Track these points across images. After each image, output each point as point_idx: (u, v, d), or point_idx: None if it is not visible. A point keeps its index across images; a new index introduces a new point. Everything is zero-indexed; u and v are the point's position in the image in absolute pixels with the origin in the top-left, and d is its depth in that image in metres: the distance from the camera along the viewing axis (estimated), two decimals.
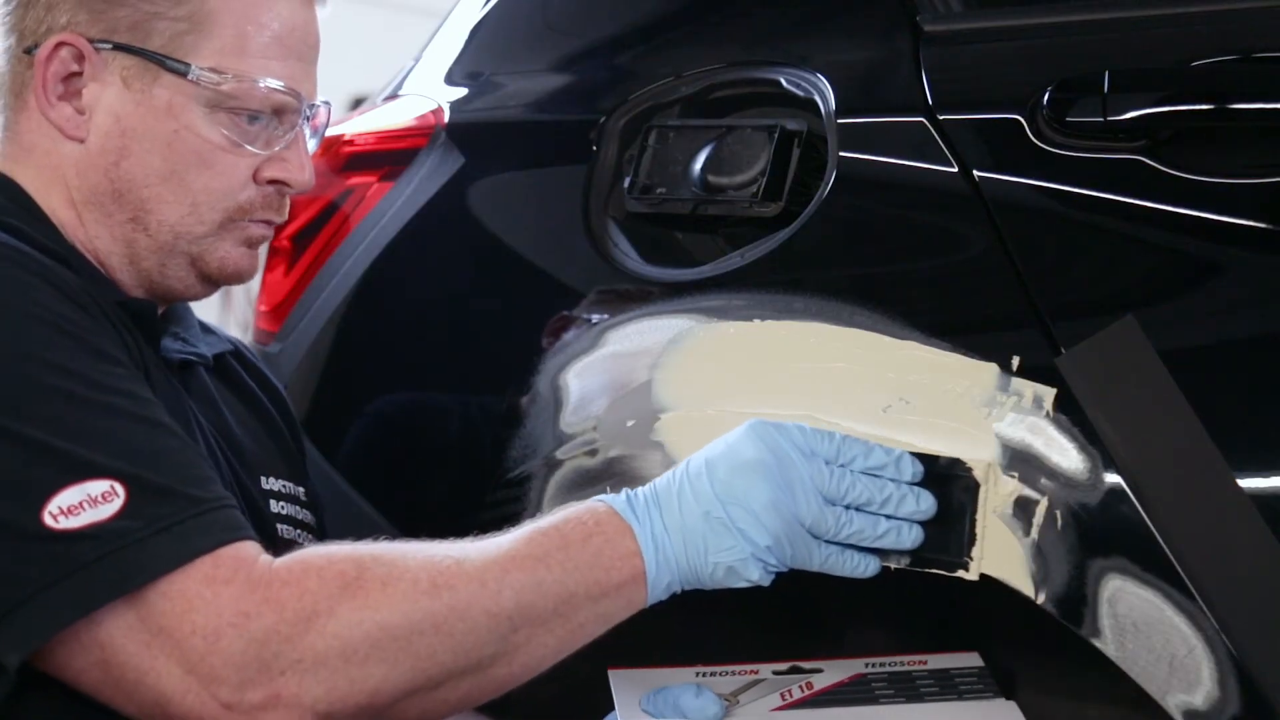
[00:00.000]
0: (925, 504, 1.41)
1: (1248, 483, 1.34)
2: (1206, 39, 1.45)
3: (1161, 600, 1.34)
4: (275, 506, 1.61)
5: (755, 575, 1.39)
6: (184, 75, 1.49)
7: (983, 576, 1.41)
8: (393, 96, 1.99)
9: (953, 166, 1.50)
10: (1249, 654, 1.31)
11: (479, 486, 1.67)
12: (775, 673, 1.51)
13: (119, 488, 1.31)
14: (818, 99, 1.60)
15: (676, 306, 1.59)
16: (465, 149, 1.81)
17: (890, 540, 1.41)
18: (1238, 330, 1.42)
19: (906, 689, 1.47)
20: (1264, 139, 1.42)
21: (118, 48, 1.50)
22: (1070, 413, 1.39)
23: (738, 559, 1.39)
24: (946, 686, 1.49)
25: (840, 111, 1.57)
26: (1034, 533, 1.38)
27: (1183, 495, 1.35)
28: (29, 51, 1.52)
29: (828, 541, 1.41)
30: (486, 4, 1.91)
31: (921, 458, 1.42)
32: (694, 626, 1.61)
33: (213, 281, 1.55)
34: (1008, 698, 1.47)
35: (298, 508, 1.64)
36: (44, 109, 1.51)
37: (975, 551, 1.41)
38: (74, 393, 1.33)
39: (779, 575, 1.42)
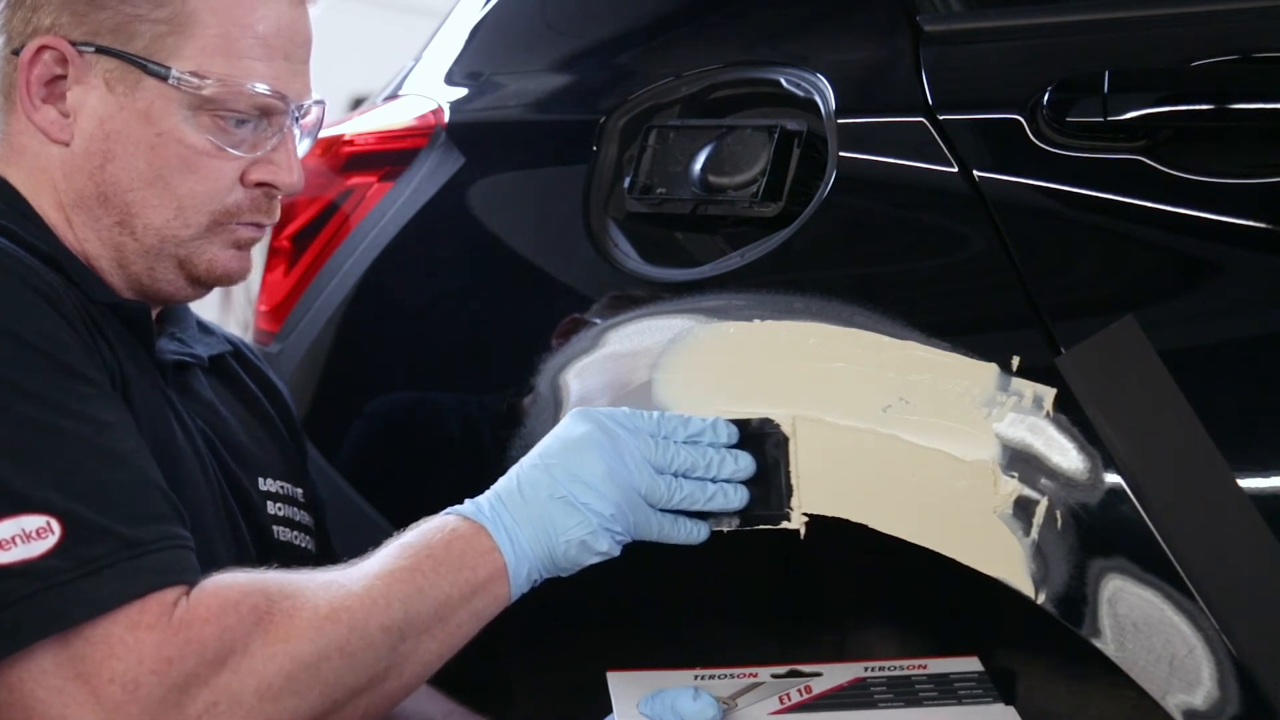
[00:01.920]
0: (744, 463, 1.48)
1: (1248, 483, 1.34)
2: (1206, 39, 1.45)
3: (1161, 600, 1.34)
4: (272, 508, 1.61)
5: (605, 546, 1.44)
6: (164, 79, 1.48)
7: (983, 572, 1.41)
8: (393, 96, 1.99)
9: (953, 166, 1.50)
10: (1249, 654, 1.31)
11: (479, 486, 1.67)
12: (774, 676, 1.51)
13: (55, 524, 1.28)
14: (818, 99, 1.60)
15: (676, 306, 1.59)
16: (465, 149, 1.81)
17: (719, 502, 1.47)
18: (1238, 330, 1.42)
19: (905, 693, 1.47)
20: (1264, 139, 1.42)
21: (100, 50, 1.48)
22: (1070, 413, 1.39)
23: (587, 532, 1.43)
24: (945, 691, 1.50)
25: (840, 111, 1.57)
26: (1034, 533, 1.38)
27: (1183, 495, 1.35)
28: (16, 53, 1.51)
29: (662, 510, 1.46)
30: (486, 4, 1.91)
31: (735, 422, 1.50)
32: (696, 629, 1.62)
33: (202, 283, 1.55)
34: (1007, 702, 1.47)
35: (295, 509, 1.64)
36: (28, 112, 1.50)
37: (794, 501, 1.49)
38: (30, 417, 1.31)
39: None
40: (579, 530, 1.43)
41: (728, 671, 1.51)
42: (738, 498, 1.48)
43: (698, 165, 1.62)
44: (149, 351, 1.52)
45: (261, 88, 1.49)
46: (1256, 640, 1.31)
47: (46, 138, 1.50)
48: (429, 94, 1.90)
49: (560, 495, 1.43)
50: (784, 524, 1.49)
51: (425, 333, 1.79)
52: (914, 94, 1.53)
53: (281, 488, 1.63)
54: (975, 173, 1.49)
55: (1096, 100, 1.44)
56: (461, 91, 1.87)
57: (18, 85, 1.51)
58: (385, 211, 1.83)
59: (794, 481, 1.48)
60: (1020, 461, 1.39)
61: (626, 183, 1.67)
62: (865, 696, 1.49)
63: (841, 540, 1.52)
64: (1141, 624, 1.34)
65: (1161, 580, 1.34)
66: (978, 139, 1.51)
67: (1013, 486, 1.39)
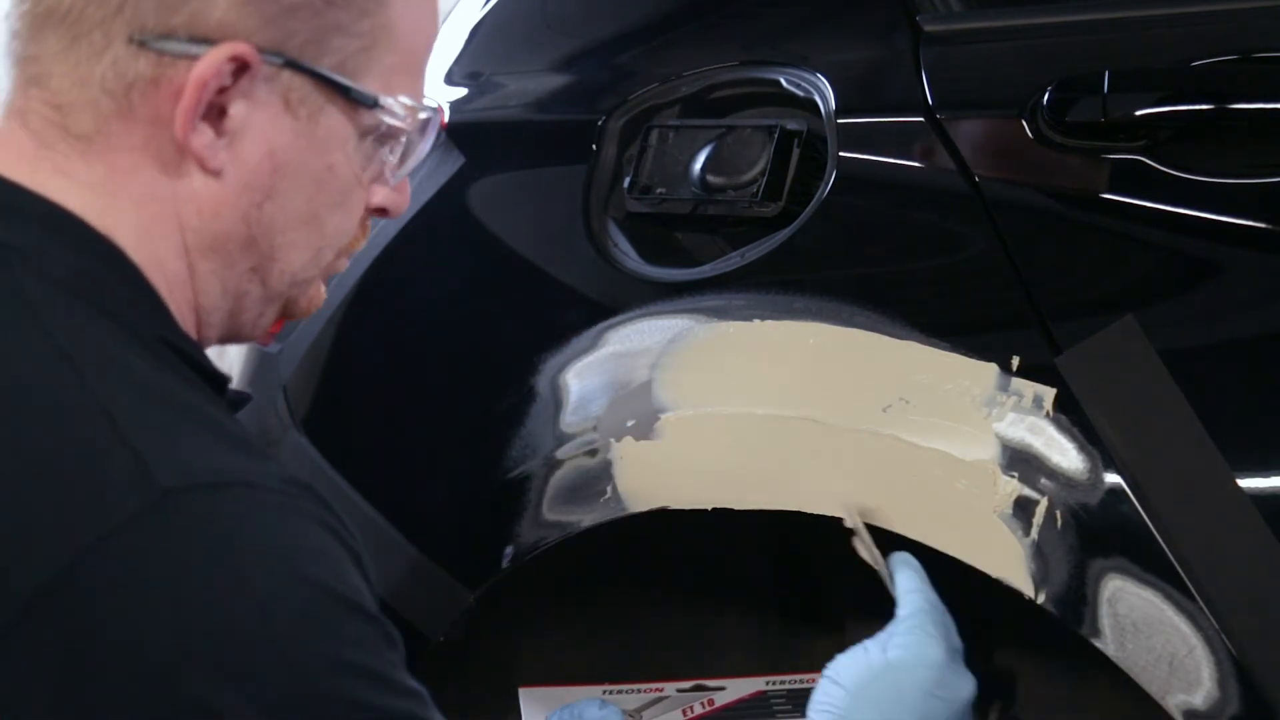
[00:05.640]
0: None
1: (1248, 483, 1.34)
2: (1206, 39, 1.45)
3: (1161, 600, 1.34)
4: None
5: None
6: (370, 106, 1.18)
7: (983, 572, 1.41)
8: None
9: (953, 166, 1.50)
10: (1249, 654, 1.31)
11: (479, 486, 1.67)
12: (679, 690, 1.53)
13: None
14: (818, 99, 1.60)
15: (676, 306, 1.59)
16: (465, 149, 1.81)
17: None
18: (1238, 330, 1.42)
19: (803, 704, 1.50)
20: (1264, 139, 1.42)
21: (288, 64, 1.15)
22: (1070, 413, 1.39)
23: None
24: None
25: (840, 111, 1.57)
26: (1034, 533, 1.38)
27: (1183, 495, 1.35)
28: (144, 44, 1.13)
29: None
30: (486, 4, 1.91)
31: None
32: (608, 648, 1.64)
33: (285, 319, 1.29)
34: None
35: None
36: (184, 133, 1.14)
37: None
38: (387, 709, 1.05)
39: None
40: None
41: (636, 687, 1.55)
42: None
43: (698, 165, 1.62)
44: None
45: (435, 109, 1.23)
46: (1256, 640, 1.31)
47: (196, 165, 1.15)
48: (429, 94, 1.90)
49: None
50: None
51: (425, 332, 1.79)
52: (914, 94, 1.53)
53: None
54: (975, 173, 1.49)
55: (1096, 100, 1.44)
56: (461, 91, 1.87)
57: (147, 86, 1.14)
58: None
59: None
60: (1020, 461, 1.39)
61: (626, 183, 1.67)
62: (765, 708, 1.54)
63: (841, 540, 1.52)
64: (1141, 624, 1.34)
65: (1161, 580, 1.34)
66: (978, 139, 1.51)
67: (1013, 486, 1.39)
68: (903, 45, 1.56)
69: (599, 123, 1.71)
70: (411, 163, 1.24)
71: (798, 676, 1.58)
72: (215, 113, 1.15)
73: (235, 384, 1.95)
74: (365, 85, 1.18)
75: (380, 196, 1.24)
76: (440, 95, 1.88)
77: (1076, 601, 1.36)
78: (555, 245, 1.73)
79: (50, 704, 1.00)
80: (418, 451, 1.77)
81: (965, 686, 1.38)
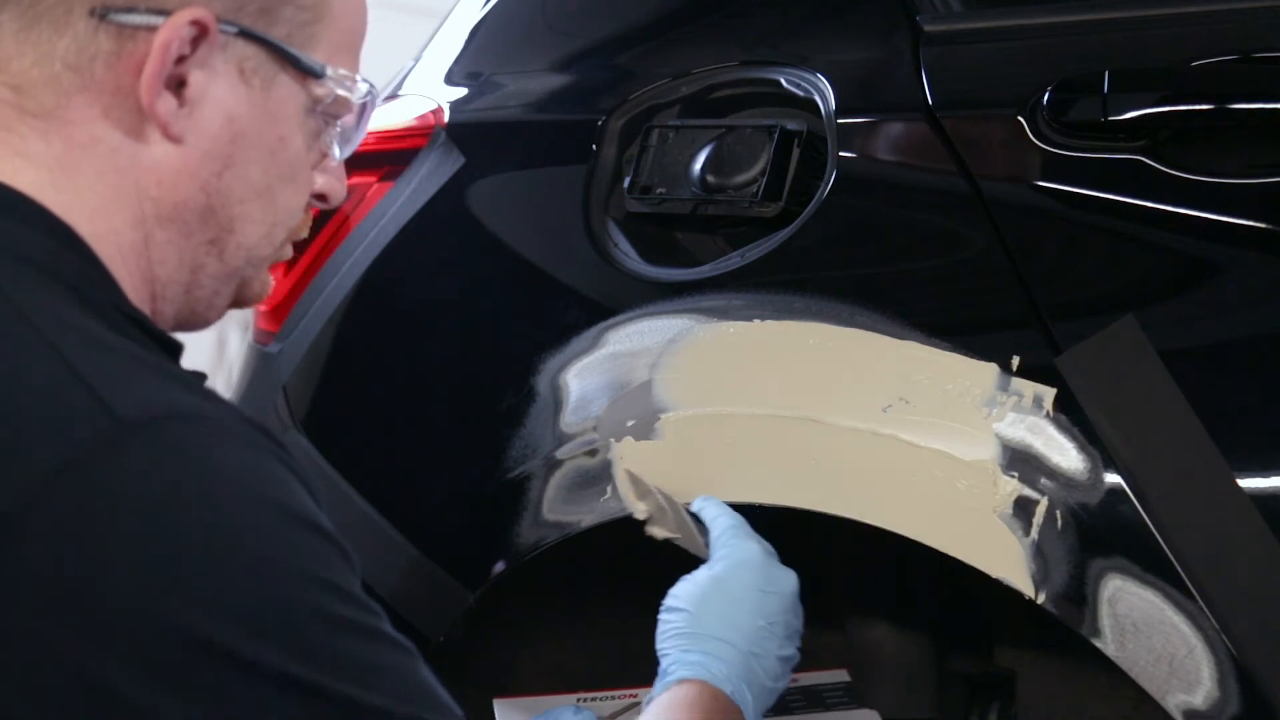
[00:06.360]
0: None
1: (1248, 483, 1.34)
2: (1206, 39, 1.45)
3: (1161, 600, 1.34)
4: None
5: None
6: (317, 76, 1.23)
7: (984, 577, 1.41)
8: (393, 96, 1.98)
9: (953, 166, 1.50)
10: (1249, 654, 1.31)
11: (479, 486, 1.67)
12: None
13: None
14: (818, 99, 1.59)
15: (676, 306, 1.59)
16: (465, 149, 1.81)
17: None
18: (1238, 330, 1.42)
19: (776, 704, 1.51)
20: (1264, 139, 1.42)
21: (243, 34, 1.19)
22: (1070, 413, 1.39)
23: None
24: (814, 700, 1.59)
25: (840, 111, 1.57)
26: (1034, 533, 1.38)
27: (1183, 495, 1.35)
28: (104, 17, 1.16)
29: None
30: (486, 4, 1.91)
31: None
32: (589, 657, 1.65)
33: (237, 307, 1.32)
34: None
35: None
36: (150, 99, 1.16)
37: None
38: (351, 621, 1.08)
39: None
40: None
41: (610, 694, 1.58)
42: None
43: (698, 165, 1.62)
44: None
45: (373, 89, 1.28)
46: (1256, 640, 1.31)
47: (161, 133, 1.19)
48: (429, 94, 1.90)
49: None
50: None
51: (425, 332, 1.79)
52: (914, 94, 1.53)
53: None
54: (975, 173, 1.49)
55: (1096, 100, 1.44)
56: (461, 91, 1.87)
57: (109, 57, 1.17)
58: (385, 211, 1.83)
59: None
60: (1020, 461, 1.39)
61: (626, 183, 1.67)
62: None
63: (841, 540, 1.52)
64: (1141, 624, 1.34)
65: (1161, 580, 1.34)
66: (978, 139, 1.51)
67: (1013, 486, 1.39)
68: (903, 45, 1.56)
69: (599, 123, 1.71)
70: (350, 146, 1.29)
71: None
72: (175, 83, 1.18)
73: (235, 384, 1.95)
74: (313, 56, 1.22)
75: (321, 182, 1.29)
76: (440, 95, 1.89)
77: (1076, 601, 1.36)
78: (555, 245, 1.73)
79: (16, 634, 1.01)
80: (417, 451, 1.77)
81: (789, 579, 1.49)
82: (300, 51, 1.22)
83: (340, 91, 1.24)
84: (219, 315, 1.29)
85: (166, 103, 1.17)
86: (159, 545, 1.03)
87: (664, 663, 1.45)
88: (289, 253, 1.31)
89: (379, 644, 1.09)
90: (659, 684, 1.44)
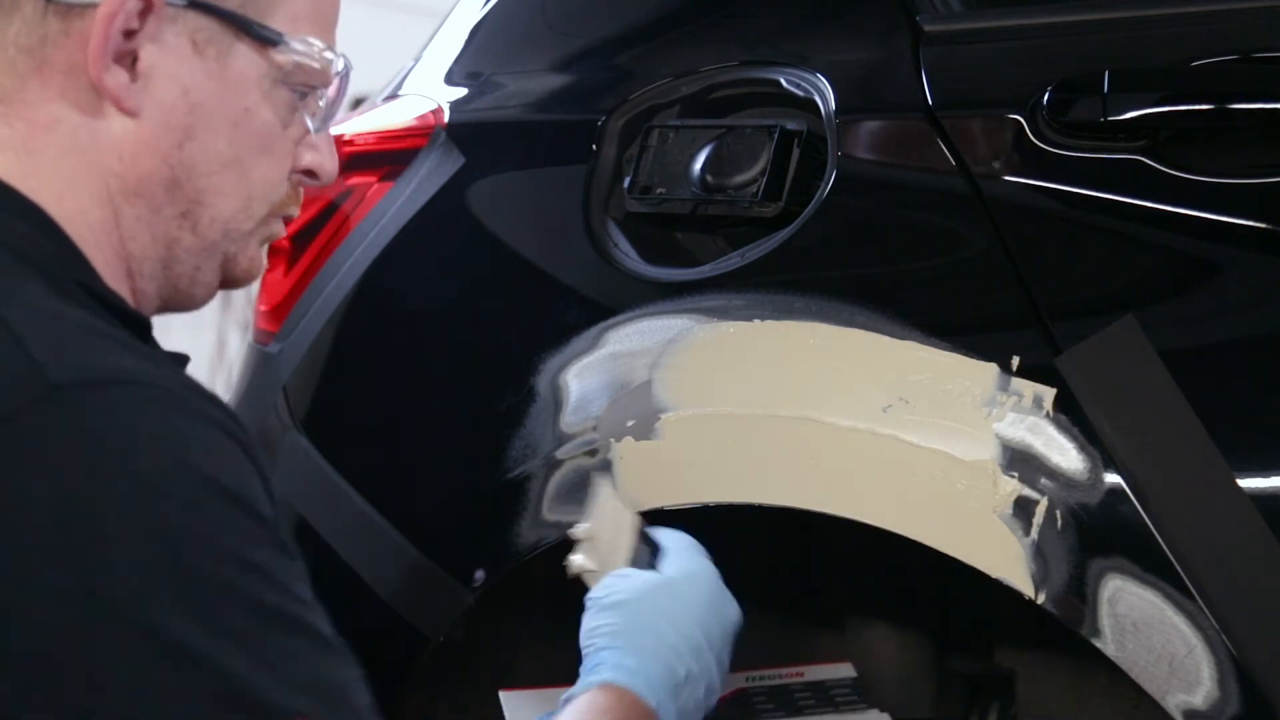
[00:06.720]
0: None
1: (1248, 483, 1.34)
2: (1206, 39, 1.45)
3: (1161, 600, 1.34)
4: None
5: None
6: (274, 44, 1.24)
7: (984, 577, 1.41)
8: (393, 96, 1.99)
9: (953, 166, 1.50)
10: (1249, 654, 1.31)
11: (479, 486, 1.67)
12: None
13: None
14: (818, 99, 1.59)
15: (676, 306, 1.59)
16: (465, 149, 1.81)
17: None
18: (1238, 330, 1.42)
19: (785, 703, 1.51)
20: (1264, 139, 1.42)
21: (194, 4, 1.21)
22: (1070, 413, 1.39)
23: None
24: (822, 699, 1.56)
25: (840, 111, 1.57)
26: (1034, 533, 1.38)
27: (1183, 495, 1.35)
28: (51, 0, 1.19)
29: None
30: (486, 4, 1.91)
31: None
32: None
33: (232, 286, 1.34)
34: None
35: None
36: (98, 73, 1.19)
37: None
38: (262, 601, 1.08)
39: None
40: None
41: None
42: None
43: (698, 165, 1.62)
44: None
45: (342, 62, 1.29)
46: (1256, 640, 1.31)
47: (114, 107, 1.20)
48: (429, 94, 1.90)
49: None
50: None
51: (425, 332, 1.79)
52: (914, 94, 1.53)
53: None
54: (975, 173, 1.49)
55: (1096, 100, 1.44)
56: (461, 91, 1.87)
57: (60, 38, 1.20)
58: (385, 211, 1.83)
59: None
60: (1020, 461, 1.39)
61: (626, 183, 1.67)
62: (747, 709, 1.53)
63: (841, 540, 1.52)
64: (1141, 624, 1.34)
65: (1161, 580, 1.34)
66: (978, 139, 1.51)
67: (1013, 486, 1.39)
68: (903, 45, 1.56)
69: (599, 123, 1.71)
70: (328, 120, 1.30)
71: (776, 670, 1.59)
72: (129, 60, 1.20)
73: (235, 384, 1.95)
74: (271, 25, 1.23)
75: (308, 159, 1.30)
76: (440, 95, 1.89)
77: (1076, 601, 1.36)
78: (555, 245, 1.73)
79: None
80: (418, 451, 1.77)
81: (734, 609, 1.43)
82: (255, 19, 1.23)
83: (302, 60, 1.25)
84: (208, 293, 1.31)
85: (117, 77, 1.19)
86: (74, 505, 1.04)
87: (588, 661, 1.39)
88: (280, 230, 1.32)
89: (294, 635, 1.08)
90: (580, 682, 1.37)
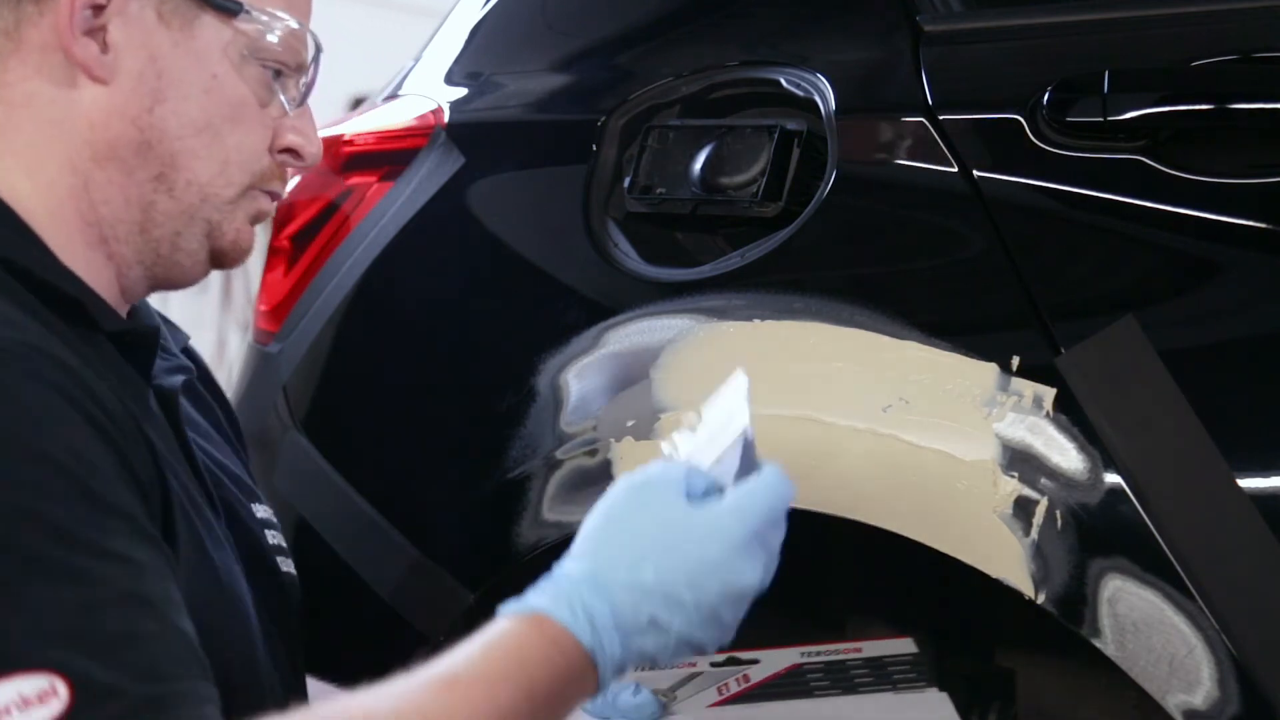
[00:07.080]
0: None
1: (1248, 483, 1.34)
2: (1206, 39, 1.45)
3: (1161, 600, 1.34)
4: (270, 538, 1.45)
5: None
6: (234, 15, 1.30)
7: (983, 577, 1.41)
8: (393, 96, 1.99)
9: (953, 166, 1.50)
10: (1249, 654, 1.31)
11: (479, 486, 1.67)
12: (713, 664, 1.52)
13: (61, 686, 1.06)
14: (818, 99, 1.60)
15: (676, 306, 1.59)
16: (465, 149, 1.81)
17: None
18: (1238, 330, 1.42)
19: (841, 680, 1.48)
20: (1264, 139, 1.42)
21: None
22: (1070, 413, 1.39)
23: None
24: (880, 676, 1.52)
25: (840, 111, 1.57)
26: (1034, 533, 1.38)
27: (1183, 495, 1.35)
28: None
29: None
30: (486, 4, 1.91)
31: None
32: None
33: (220, 260, 1.36)
34: (947, 689, 1.49)
35: (278, 534, 1.48)
36: (67, 44, 1.26)
37: None
38: (41, 554, 1.09)
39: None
40: None
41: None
42: None
43: (698, 165, 1.62)
44: (147, 380, 1.32)
45: (313, 41, 1.34)
46: (1256, 640, 1.31)
47: (84, 76, 1.27)
48: (429, 94, 1.90)
49: None
50: None
51: (425, 333, 1.79)
52: (914, 94, 1.53)
53: (268, 514, 1.47)
54: (975, 173, 1.49)
55: (1096, 100, 1.44)
56: (461, 91, 1.87)
57: (32, 15, 1.27)
58: (385, 211, 1.83)
59: None
60: (1020, 461, 1.39)
61: (626, 183, 1.67)
62: (802, 685, 1.51)
63: (841, 540, 1.52)
64: (1141, 624, 1.34)
65: (1161, 580, 1.34)
66: (978, 139, 1.51)
67: (1013, 486, 1.39)
68: (903, 45, 1.57)
69: (599, 123, 1.71)
70: (298, 98, 1.35)
71: (832, 646, 1.54)
72: (100, 34, 1.27)
73: (235, 384, 1.95)
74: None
75: (289, 138, 1.35)
76: (440, 95, 1.89)
77: (1076, 601, 1.36)
78: (555, 245, 1.73)
79: None
80: (418, 451, 1.77)
81: (752, 574, 1.22)
82: None
83: (266, 30, 1.31)
84: (194, 263, 1.34)
85: (87, 48, 1.26)
86: None
87: (550, 573, 1.23)
88: (268, 207, 1.36)
89: (68, 585, 1.09)
90: (520, 599, 1.21)
